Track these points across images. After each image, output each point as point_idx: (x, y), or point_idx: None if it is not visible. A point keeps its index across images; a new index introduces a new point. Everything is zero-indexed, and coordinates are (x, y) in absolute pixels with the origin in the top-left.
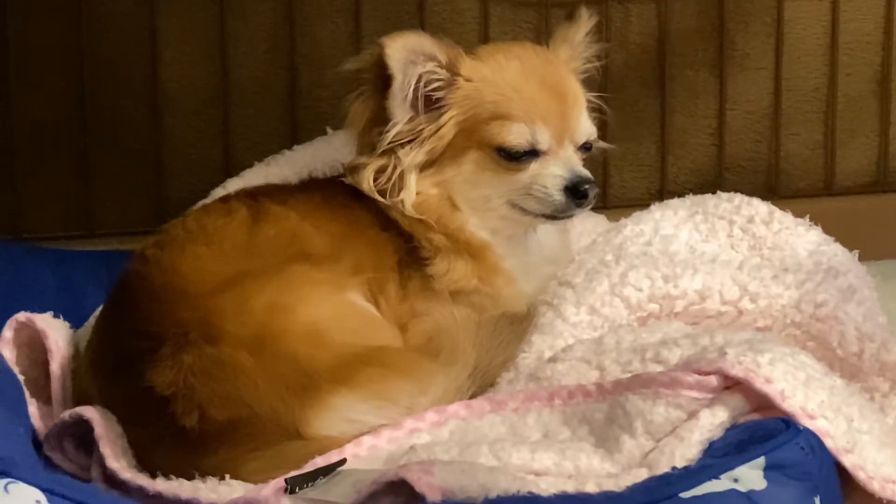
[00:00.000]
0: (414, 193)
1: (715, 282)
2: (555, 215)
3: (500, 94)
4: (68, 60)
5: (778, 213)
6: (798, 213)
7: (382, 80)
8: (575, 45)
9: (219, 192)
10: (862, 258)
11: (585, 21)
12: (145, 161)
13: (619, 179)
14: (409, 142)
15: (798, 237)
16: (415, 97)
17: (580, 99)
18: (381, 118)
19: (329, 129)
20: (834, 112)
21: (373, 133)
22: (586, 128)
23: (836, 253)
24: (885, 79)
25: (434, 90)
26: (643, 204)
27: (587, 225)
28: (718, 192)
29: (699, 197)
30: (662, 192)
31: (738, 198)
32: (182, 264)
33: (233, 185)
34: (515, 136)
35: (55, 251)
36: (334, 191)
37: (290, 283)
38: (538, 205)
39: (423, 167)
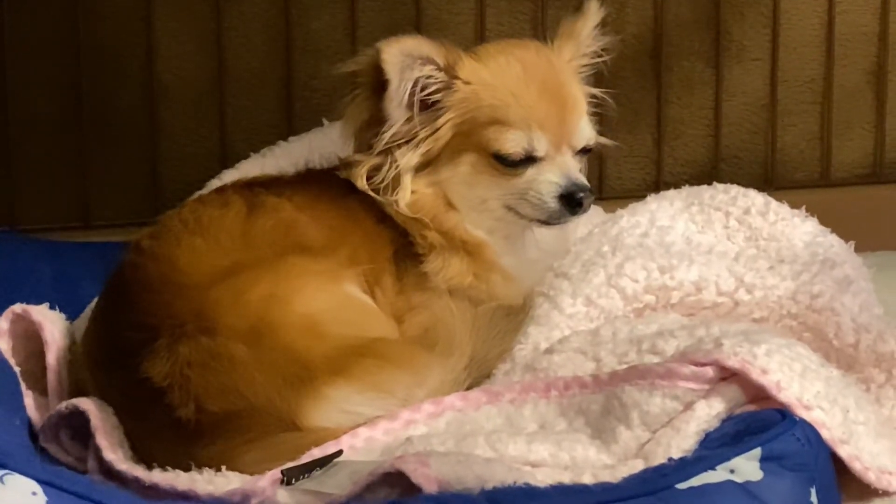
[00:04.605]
0: (409, 193)
1: (711, 273)
2: (549, 221)
3: (498, 98)
4: (64, 52)
5: (774, 204)
6: (794, 204)
7: (379, 83)
8: (581, 40)
9: (215, 184)
10: (858, 249)
11: (594, 14)
12: (141, 152)
13: (616, 171)
14: (406, 142)
15: (794, 228)
16: (411, 100)
17: (580, 103)
18: (377, 119)
19: (325, 121)
20: (830, 103)
21: (369, 133)
22: (585, 133)
23: (833, 244)
24: (881, 70)
25: (431, 93)
26: (639, 195)
27: (583, 216)
28: (715, 183)
29: (695, 188)
30: (658, 184)
31: (735, 189)
32: (178, 256)
33: (229, 176)
34: (512, 143)
35: (51, 243)
36: (330, 182)
37: (286, 274)
38: (533, 210)
39: (419, 167)
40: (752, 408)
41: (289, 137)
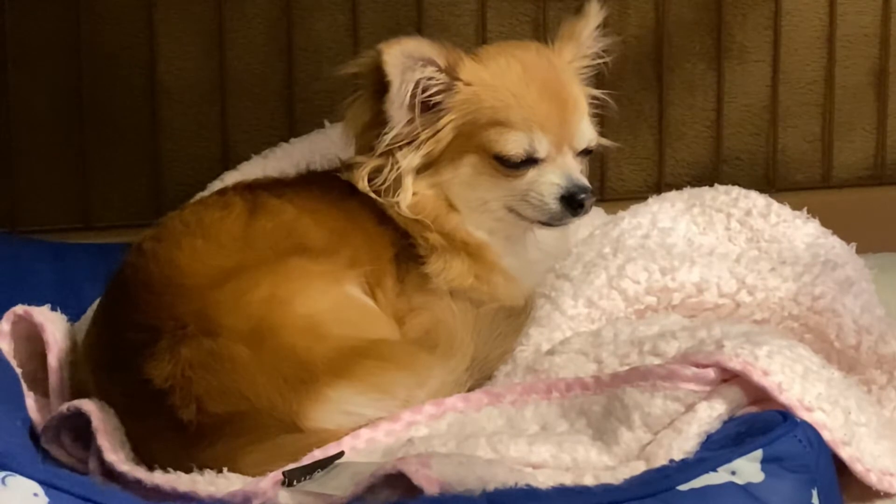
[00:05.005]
0: (410, 195)
1: (712, 274)
2: (550, 222)
3: (499, 99)
4: (66, 53)
5: (775, 205)
6: (796, 206)
7: (380, 85)
8: (582, 41)
9: (216, 185)
10: (859, 250)
11: (595, 15)
12: (143, 154)
13: (617, 172)
14: (407, 144)
15: (796, 230)
16: (412, 101)
17: (581, 104)
18: (378, 120)
19: (327, 122)
20: (832, 105)
21: (371, 135)
22: (587, 134)
23: (834, 245)
24: (883, 71)
25: (432, 95)
26: (641, 197)
27: (585, 217)
28: (716, 184)
29: (697, 190)
30: (660, 185)
31: (736, 190)
32: (179, 257)
33: (230, 178)
34: (513, 145)
35: (53, 244)
36: (332, 184)
37: (287, 275)
38: (534, 212)
39: (421, 169)
40: (753, 409)
41: (290, 139)
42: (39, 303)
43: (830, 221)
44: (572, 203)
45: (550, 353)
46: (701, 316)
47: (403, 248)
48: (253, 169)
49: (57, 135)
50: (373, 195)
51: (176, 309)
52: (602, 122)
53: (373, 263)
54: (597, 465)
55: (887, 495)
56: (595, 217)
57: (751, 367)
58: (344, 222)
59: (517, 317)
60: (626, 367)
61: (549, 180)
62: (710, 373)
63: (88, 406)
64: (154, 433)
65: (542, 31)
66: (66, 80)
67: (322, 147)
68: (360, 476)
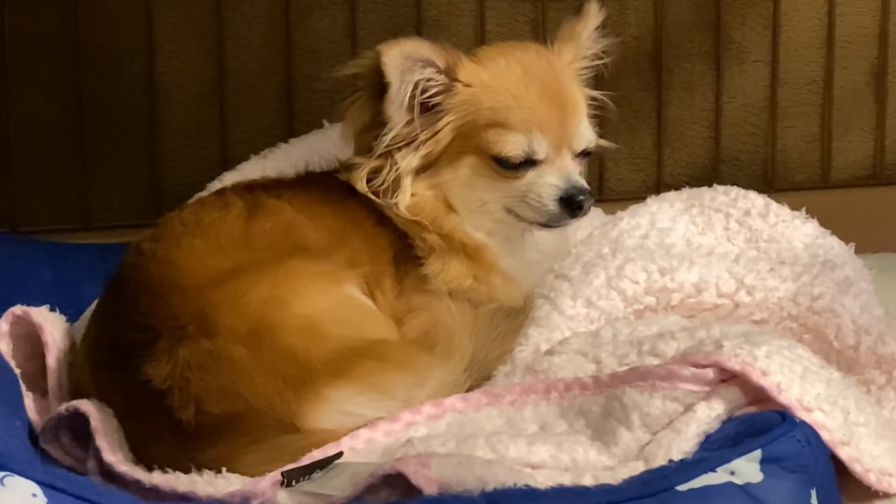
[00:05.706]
0: (409, 196)
1: (711, 275)
2: (548, 224)
3: (498, 101)
4: (65, 53)
5: (774, 205)
6: (794, 206)
7: (379, 86)
8: (581, 42)
9: (215, 186)
10: (858, 251)
11: (594, 16)
12: (142, 154)
13: (616, 173)
14: (406, 144)
15: (794, 230)
16: (411, 103)
17: (580, 106)
18: (377, 121)
19: (326, 123)
20: (830, 105)
21: (369, 135)
22: (586, 135)
23: (833, 246)
24: (882, 72)
25: (432, 96)
26: (640, 197)
27: (583, 219)
28: (715, 184)
29: (695, 190)
30: (659, 185)
31: (735, 191)
32: (178, 257)
33: (229, 178)
34: (512, 146)
35: (52, 244)
36: (331, 185)
37: (286, 276)
38: (532, 213)
39: (419, 170)
40: (752, 409)
41: (289, 139)
42: (38, 303)
43: (829, 221)
44: (571, 205)
45: (549, 353)
46: (700, 316)
47: (402, 249)
48: (252, 169)
49: (57, 135)
50: (371, 196)
51: (175, 309)
52: (601, 122)
53: (372, 264)
54: (596, 465)
55: (886, 495)
56: (594, 217)
57: (750, 368)
58: (343, 223)
59: (516, 317)
60: (625, 368)
61: (548, 182)
62: (709, 373)
63: (87, 406)
64: (153, 433)
65: (542, 31)
66: (66, 80)
67: (321, 147)
68: (359, 476)
